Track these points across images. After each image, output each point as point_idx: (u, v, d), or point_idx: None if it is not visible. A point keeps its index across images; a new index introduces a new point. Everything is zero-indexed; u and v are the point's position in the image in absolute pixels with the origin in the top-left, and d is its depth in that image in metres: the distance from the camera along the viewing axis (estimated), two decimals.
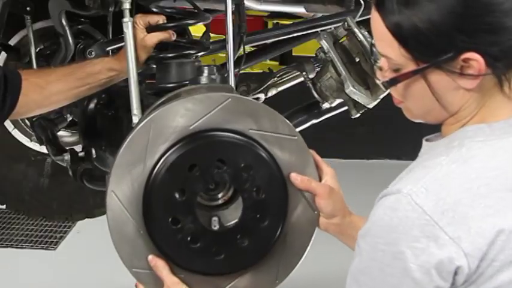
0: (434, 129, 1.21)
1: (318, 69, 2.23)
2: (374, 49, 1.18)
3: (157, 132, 1.39)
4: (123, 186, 1.39)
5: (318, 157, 1.47)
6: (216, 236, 1.42)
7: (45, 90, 1.83)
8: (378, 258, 1.06)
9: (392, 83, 1.14)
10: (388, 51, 1.12)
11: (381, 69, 1.17)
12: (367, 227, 1.09)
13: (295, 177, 1.42)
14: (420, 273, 1.02)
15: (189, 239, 1.39)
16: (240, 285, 1.46)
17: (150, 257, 1.40)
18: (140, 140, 1.39)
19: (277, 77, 2.42)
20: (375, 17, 1.13)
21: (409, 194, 1.04)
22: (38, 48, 2.59)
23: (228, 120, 1.40)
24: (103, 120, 2.29)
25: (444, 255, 1.01)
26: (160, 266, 1.40)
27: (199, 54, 1.99)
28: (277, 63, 4.59)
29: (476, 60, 1.05)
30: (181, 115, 1.39)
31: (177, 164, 1.38)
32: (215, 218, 1.45)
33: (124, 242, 1.41)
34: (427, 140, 1.20)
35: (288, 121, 1.44)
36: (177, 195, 1.38)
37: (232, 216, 1.45)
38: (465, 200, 1.03)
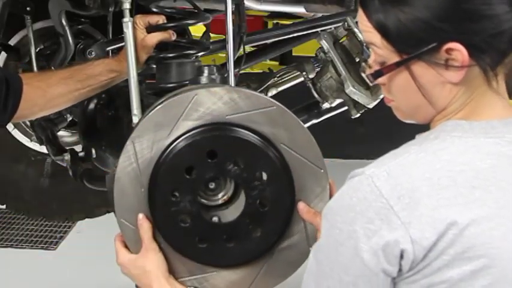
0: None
1: (318, 69, 2.23)
2: (365, 48, 1.18)
3: (195, 107, 1.39)
4: (143, 142, 1.40)
5: (334, 191, 1.45)
6: (206, 226, 1.42)
7: (47, 94, 1.83)
8: (334, 236, 1.07)
9: (376, 75, 1.14)
10: (374, 40, 1.12)
11: (370, 67, 1.17)
12: (329, 205, 1.11)
13: (303, 207, 1.42)
14: (369, 254, 1.03)
15: (180, 216, 1.40)
16: (211, 280, 1.46)
17: (141, 215, 1.41)
18: (177, 107, 1.39)
19: (277, 77, 2.41)
20: (360, 12, 1.14)
21: (371, 176, 1.05)
22: (38, 48, 2.59)
23: (265, 126, 1.40)
24: (103, 120, 2.29)
25: (391, 238, 1.01)
26: (145, 227, 1.41)
27: (199, 54, 1.99)
28: (277, 63, 4.59)
29: (459, 50, 1.05)
30: (224, 102, 1.39)
31: (198, 145, 1.38)
32: (215, 218, 1.45)
33: (123, 191, 1.41)
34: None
35: (321, 153, 1.43)
36: (186, 172, 1.38)
37: (233, 216, 1.45)
38: (423, 188, 1.03)
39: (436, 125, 1.14)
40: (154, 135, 1.40)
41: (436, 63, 1.07)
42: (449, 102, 1.11)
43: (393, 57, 1.11)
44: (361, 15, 1.13)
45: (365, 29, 1.13)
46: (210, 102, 1.39)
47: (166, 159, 1.39)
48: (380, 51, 1.12)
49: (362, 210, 1.04)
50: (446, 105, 1.11)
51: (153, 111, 1.42)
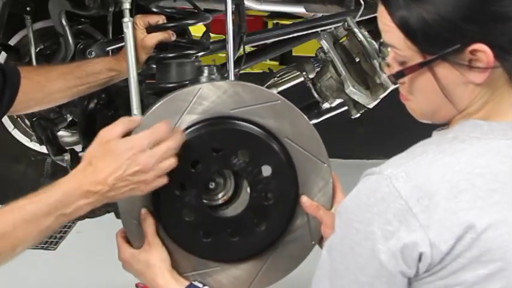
0: (433, 128, 1.19)
1: (318, 69, 2.23)
2: (382, 48, 1.17)
3: (199, 101, 1.40)
4: None
5: (337, 184, 1.46)
6: (210, 220, 1.42)
7: (45, 88, 1.82)
8: (350, 236, 1.06)
9: (398, 76, 1.12)
10: (395, 42, 1.10)
11: (388, 65, 1.15)
12: (344, 203, 1.10)
13: (305, 201, 1.42)
14: (387, 255, 1.02)
15: (185, 210, 1.40)
16: (214, 275, 1.46)
17: (144, 210, 1.41)
18: (182, 100, 1.40)
19: (277, 77, 2.41)
20: (381, 10, 1.11)
21: (389, 177, 1.04)
22: (38, 48, 2.59)
23: (269, 120, 1.40)
24: (103, 120, 2.29)
25: (410, 240, 1.01)
26: (149, 223, 1.41)
27: (199, 54, 1.99)
28: (277, 63, 4.58)
29: (484, 51, 1.04)
30: (229, 95, 1.40)
31: (203, 139, 1.38)
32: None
33: None
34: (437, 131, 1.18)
35: (324, 148, 1.43)
36: (191, 166, 1.38)
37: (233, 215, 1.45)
38: (442, 190, 1.02)
39: (454, 123, 1.13)
40: None
41: (459, 64, 1.06)
42: (471, 102, 1.09)
43: (415, 57, 1.08)
44: (382, 15, 1.11)
45: (386, 29, 1.11)
46: (214, 96, 1.40)
47: None
48: (402, 52, 1.10)
49: (380, 211, 1.03)
50: (467, 105, 1.10)
51: (157, 105, 1.42)
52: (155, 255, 1.41)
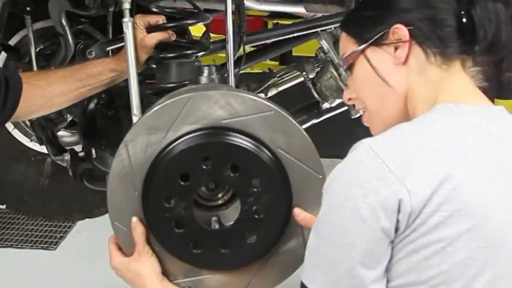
0: None
1: (318, 69, 2.23)
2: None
3: (190, 111, 1.37)
4: (137, 145, 1.38)
5: None
6: (200, 232, 1.41)
7: (47, 92, 1.82)
8: (333, 203, 1.10)
9: (341, 64, 1.28)
10: (344, 45, 1.29)
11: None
12: (328, 177, 1.15)
13: (298, 213, 1.41)
14: (367, 211, 1.06)
15: (174, 222, 1.39)
16: (206, 282, 1.45)
17: (134, 219, 1.42)
18: (172, 110, 1.37)
19: (277, 77, 2.41)
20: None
21: (368, 143, 1.11)
22: (38, 48, 2.59)
23: (262, 130, 1.37)
24: (103, 120, 2.29)
25: (388, 192, 1.05)
26: (139, 231, 1.41)
27: (199, 54, 1.99)
28: (277, 63, 4.58)
29: (399, 28, 1.19)
30: (220, 106, 1.37)
31: (193, 150, 1.36)
32: (215, 218, 1.45)
33: (117, 194, 1.41)
34: None
35: (319, 159, 1.41)
36: (181, 178, 1.37)
37: (234, 215, 1.44)
38: (417, 149, 1.08)
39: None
40: (148, 138, 1.38)
41: (386, 45, 1.21)
42: (410, 89, 1.20)
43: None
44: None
45: (341, 44, 1.31)
46: (205, 106, 1.37)
47: (160, 164, 1.37)
48: (348, 53, 1.25)
49: (358, 172, 1.08)
50: (407, 89, 1.20)
51: (147, 115, 1.40)
52: (145, 265, 1.41)
